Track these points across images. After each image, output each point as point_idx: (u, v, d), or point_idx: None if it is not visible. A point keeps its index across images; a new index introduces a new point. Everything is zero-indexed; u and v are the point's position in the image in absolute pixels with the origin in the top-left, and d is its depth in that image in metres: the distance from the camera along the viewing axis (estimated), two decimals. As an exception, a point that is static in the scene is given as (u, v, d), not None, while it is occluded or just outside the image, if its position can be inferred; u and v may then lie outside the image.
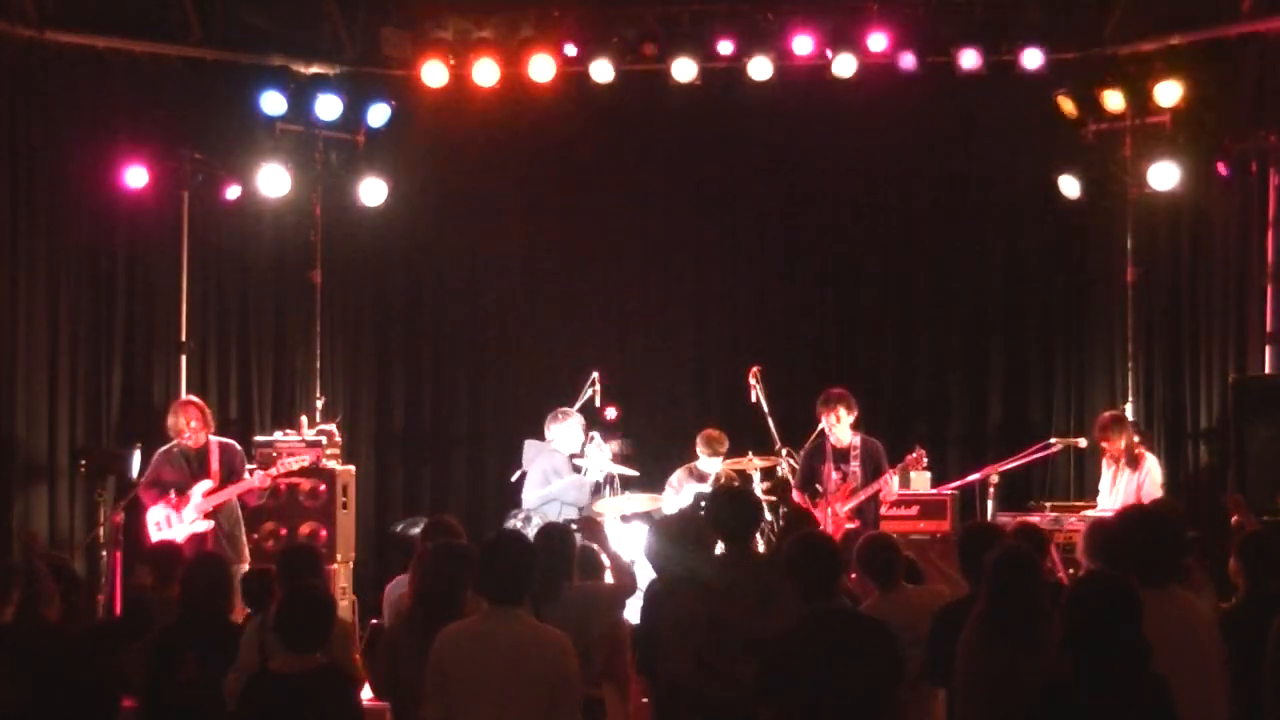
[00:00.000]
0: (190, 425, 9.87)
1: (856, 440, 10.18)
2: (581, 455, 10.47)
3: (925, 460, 10.18)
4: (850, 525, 9.86)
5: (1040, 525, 7.97)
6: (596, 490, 10.63)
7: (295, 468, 10.21)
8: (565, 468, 10.36)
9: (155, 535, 9.63)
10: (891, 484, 10.03)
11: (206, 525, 9.74)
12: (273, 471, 10.07)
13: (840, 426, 10.14)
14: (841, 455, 10.11)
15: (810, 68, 11.63)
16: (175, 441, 9.93)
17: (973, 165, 12.25)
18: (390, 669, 5.82)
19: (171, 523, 9.68)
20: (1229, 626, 5.59)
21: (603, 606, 6.32)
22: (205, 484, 9.79)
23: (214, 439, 10.03)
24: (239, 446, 10.23)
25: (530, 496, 10.35)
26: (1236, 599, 6.24)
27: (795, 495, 10.22)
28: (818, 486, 10.06)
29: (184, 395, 10.68)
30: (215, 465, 9.90)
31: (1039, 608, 5.05)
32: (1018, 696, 4.73)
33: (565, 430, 10.44)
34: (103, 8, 11.45)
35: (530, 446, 10.56)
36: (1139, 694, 4.43)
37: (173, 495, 9.72)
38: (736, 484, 9.98)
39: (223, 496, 9.83)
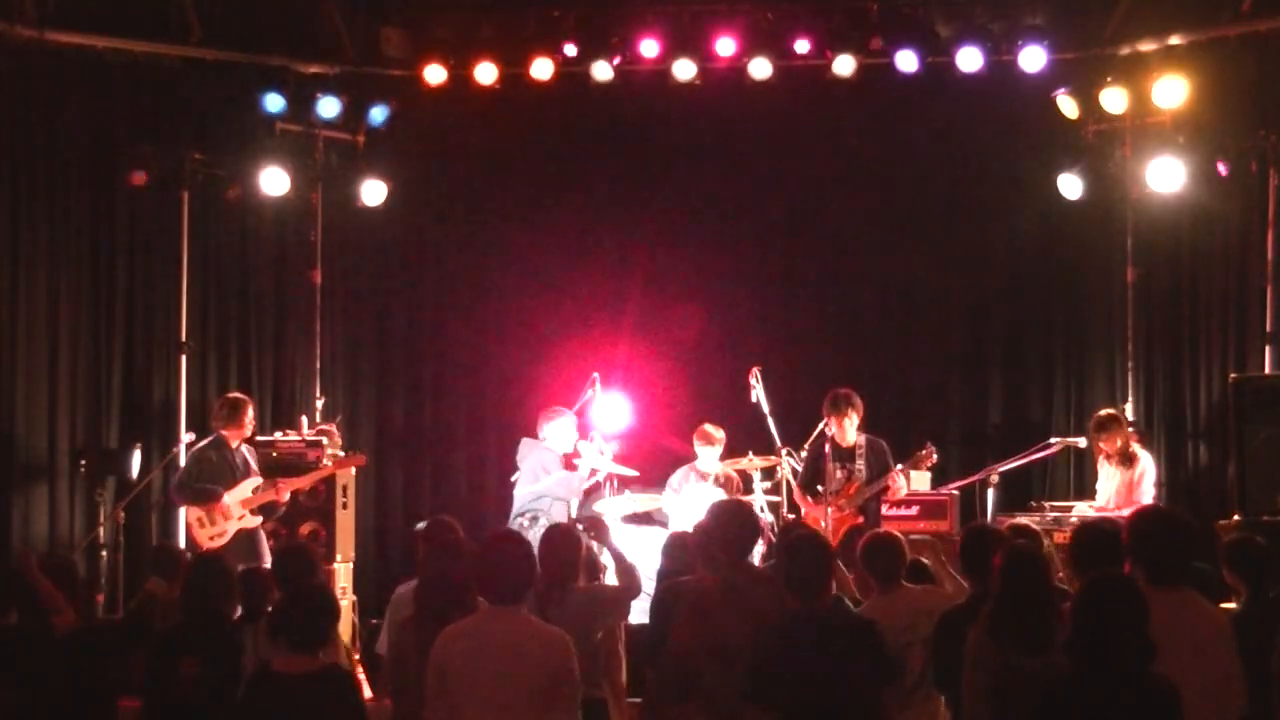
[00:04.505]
0: (250, 423, 9.95)
1: (861, 439, 10.14)
2: (576, 455, 10.46)
3: (935, 456, 10.11)
4: (855, 522, 9.84)
5: (1036, 525, 7.98)
6: (595, 489, 10.62)
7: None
8: (555, 464, 10.35)
9: (198, 532, 9.62)
10: (899, 481, 10.00)
11: (255, 521, 9.76)
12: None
13: (849, 427, 10.10)
14: (846, 454, 10.06)
15: (810, 68, 11.63)
16: (213, 438, 9.89)
17: (973, 165, 12.25)
18: (396, 670, 5.81)
19: (215, 520, 9.64)
20: (1234, 634, 5.60)
21: (607, 608, 6.31)
22: (255, 480, 9.80)
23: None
24: None
25: (521, 493, 10.31)
26: (1238, 605, 6.24)
27: (796, 495, 10.20)
28: (819, 488, 10.03)
29: (235, 393, 10.53)
30: (254, 465, 9.95)
31: (1048, 607, 5.04)
32: (1025, 696, 4.72)
33: (557, 428, 10.42)
34: (103, 8, 11.44)
35: (525, 445, 10.54)
36: (1143, 695, 4.43)
37: (220, 493, 9.64)
38: (737, 497, 9.95)
39: (287, 489, 9.88)
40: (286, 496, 9.93)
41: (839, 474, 9.98)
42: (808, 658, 5.16)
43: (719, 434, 10.66)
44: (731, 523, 5.96)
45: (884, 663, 5.28)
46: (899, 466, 9.99)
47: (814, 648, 5.18)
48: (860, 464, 10.04)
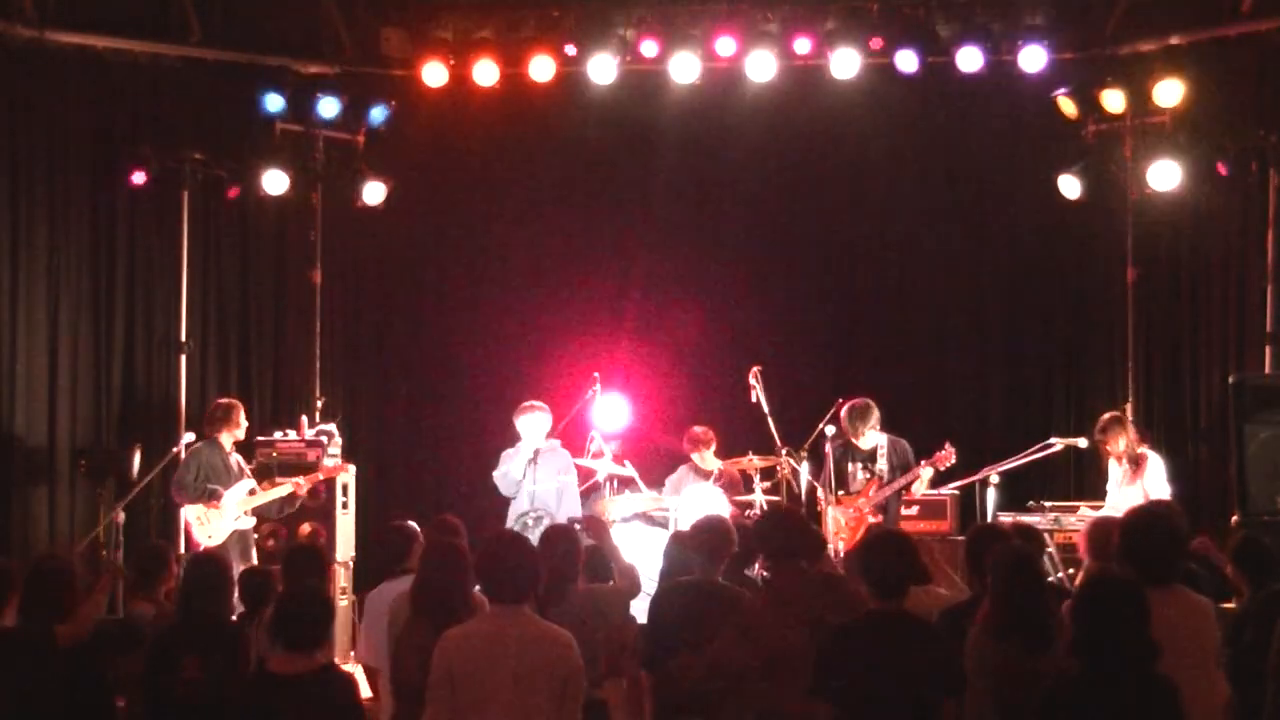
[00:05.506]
0: (244, 425, 10.00)
1: (883, 440, 10.13)
2: (568, 456, 10.43)
3: (954, 457, 10.03)
4: (874, 520, 9.83)
5: (1038, 525, 7.98)
6: (594, 489, 10.58)
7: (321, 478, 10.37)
8: (506, 458, 10.37)
9: (197, 530, 9.68)
10: (922, 475, 9.99)
11: (250, 523, 9.81)
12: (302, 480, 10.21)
13: (870, 435, 10.08)
14: (868, 455, 10.07)
15: (810, 68, 11.64)
16: (210, 440, 9.91)
17: (973, 165, 12.26)
18: (396, 672, 5.80)
19: (211, 519, 9.67)
20: (1234, 631, 5.60)
21: (608, 609, 6.31)
22: (249, 483, 9.83)
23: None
24: None
25: None
26: (1239, 603, 6.25)
27: (824, 495, 10.14)
28: (819, 488, 10.01)
29: (227, 397, 10.58)
30: (247, 467, 10.00)
31: (1044, 606, 5.03)
32: (1026, 696, 4.72)
33: (523, 423, 10.38)
34: (103, 8, 11.47)
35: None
36: (1146, 694, 4.43)
37: (222, 493, 9.70)
38: (780, 501, 9.95)
39: (271, 496, 9.89)
40: (304, 492, 10.07)
41: (861, 474, 10.00)
42: (878, 656, 5.11)
43: (706, 433, 10.66)
44: (777, 529, 5.92)
45: (953, 671, 5.20)
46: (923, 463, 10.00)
47: (886, 647, 5.12)
48: (882, 464, 10.04)
